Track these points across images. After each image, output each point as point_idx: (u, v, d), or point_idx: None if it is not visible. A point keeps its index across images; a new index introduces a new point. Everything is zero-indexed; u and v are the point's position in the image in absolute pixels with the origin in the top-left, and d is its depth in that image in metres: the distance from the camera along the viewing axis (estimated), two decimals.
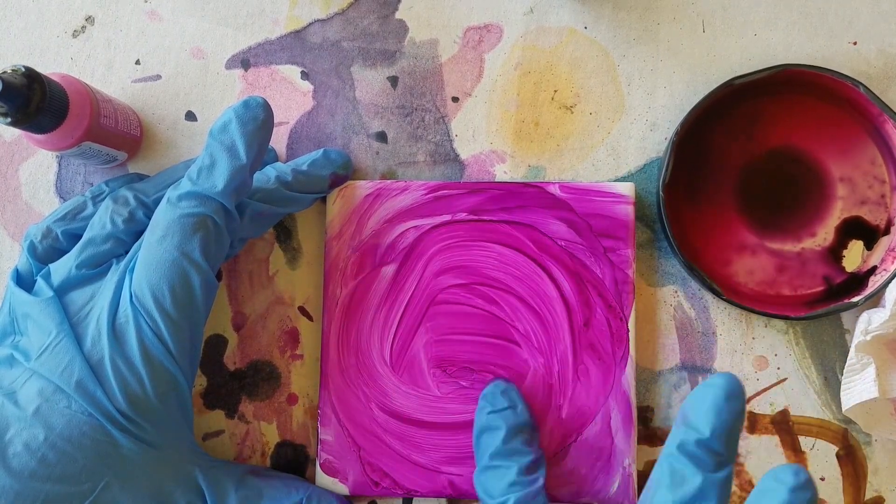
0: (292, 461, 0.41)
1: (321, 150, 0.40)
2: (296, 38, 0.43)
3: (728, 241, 0.40)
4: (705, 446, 0.28)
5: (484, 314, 0.40)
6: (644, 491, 0.30)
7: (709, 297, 0.41)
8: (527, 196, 0.40)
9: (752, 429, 0.40)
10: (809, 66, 0.38)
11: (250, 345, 0.42)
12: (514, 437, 0.36)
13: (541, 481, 0.35)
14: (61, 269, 0.35)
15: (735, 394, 0.28)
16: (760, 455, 0.40)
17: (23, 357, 0.33)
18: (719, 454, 0.28)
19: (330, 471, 0.40)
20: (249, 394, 0.41)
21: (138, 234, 0.37)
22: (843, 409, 0.38)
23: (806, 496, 0.26)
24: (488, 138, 0.42)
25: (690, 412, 0.28)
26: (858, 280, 0.39)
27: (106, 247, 0.36)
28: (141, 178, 0.41)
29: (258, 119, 0.34)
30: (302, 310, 0.42)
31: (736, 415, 0.28)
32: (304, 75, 0.42)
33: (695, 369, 0.40)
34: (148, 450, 0.33)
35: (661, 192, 0.39)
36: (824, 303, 0.39)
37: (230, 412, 0.41)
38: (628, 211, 0.40)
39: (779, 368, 0.40)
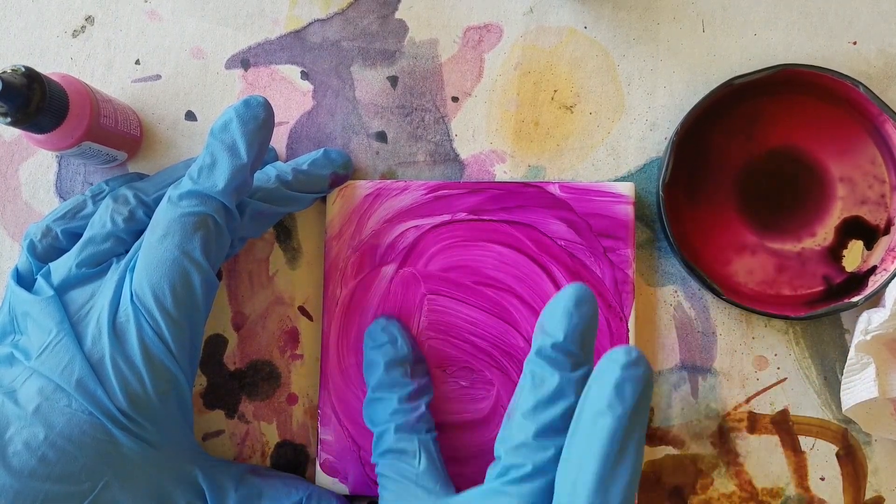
0: (292, 461, 0.41)
1: (321, 149, 0.40)
2: (296, 38, 0.43)
3: (728, 240, 0.40)
4: (560, 349, 0.29)
5: (484, 314, 0.40)
6: (510, 402, 0.31)
7: (709, 297, 0.41)
8: (527, 196, 0.40)
9: (752, 428, 0.40)
10: (809, 66, 0.38)
11: (250, 345, 0.42)
12: (393, 370, 0.37)
13: (423, 408, 0.37)
14: (61, 267, 0.35)
15: (584, 299, 0.30)
16: (761, 455, 0.40)
17: (23, 356, 0.33)
18: (574, 355, 0.30)
19: (330, 471, 0.40)
20: (249, 394, 0.41)
21: (138, 233, 0.37)
22: (843, 409, 0.38)
23: (637, 372, 0.27)
24: (488, 138, 0.42)
25: (545, 321, 0.30)
26: (858, 280, 0.39)
27: (106, 246, 0.36)
28: (141, 177, 0.41)
29: (259, 118, 0.34)
30: (302, 310, 0.42)
31: (587, 318, 0.30)
32: (304, 75, 0.42)
33: (695, 369, 0.40)
34: (148, 449, 0.33)
35: (660, 192, 0.39)
36: (824, 303, 0.39)
37: (230, 412, 0.41)
38: (628, 211, 0.40)
39: (779, 368, 0.40)
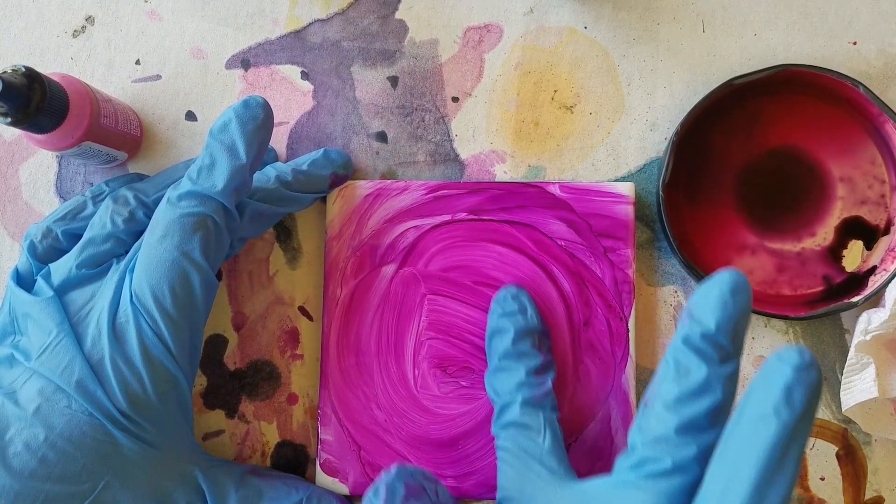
0: (292, 461, 0.41)
1: (321, 149, 0.40)
2: (296, 38, 0.43)
3: (728, 240, 0.40)
4: (711, 340, 0.27)
5: (484, 314, 0.40)
6: (648, 387, 0.29)
7: None
8: (527, 196, 0.40)
9: None
10: (809, 66, 0.38)
11: (250, 345, 0.42)
12: (523, 340, 0.37)
13: (549, 384, 0.36)
14: (61, 268, 0.35)
15: (741, 288, 0.27)
16: None
17: (23, 357, 0.33)
18: (724, 348, 0.27)
19: (330, 471, 0.40)
20: (249, 394, 0.41)
21: (138, 233, 0.37)
22: (843, 409, 0.38)
23: (810, 377, 0.25)
24: (488, 138, 0.42)
25: (695, 307, 0.28)
26: (858, 280, 0.39)
27: (106, 246, 0.36)
28: (141, 177, 0.41)
29: (258, 119, 0.34)
30: (302, 310, 0.42)
31: (742, 309, 0.27)
32: (304, 75, 0.42)
33: None
34: (148, 449, 0.33)
35: (660, 192, 0.39)
36: (824, 303, 0.39)
37: (230, 412, 0.41)
38: (628, 211, 0.40)
39: None
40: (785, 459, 0.24)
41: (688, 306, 0.28)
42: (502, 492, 0.34)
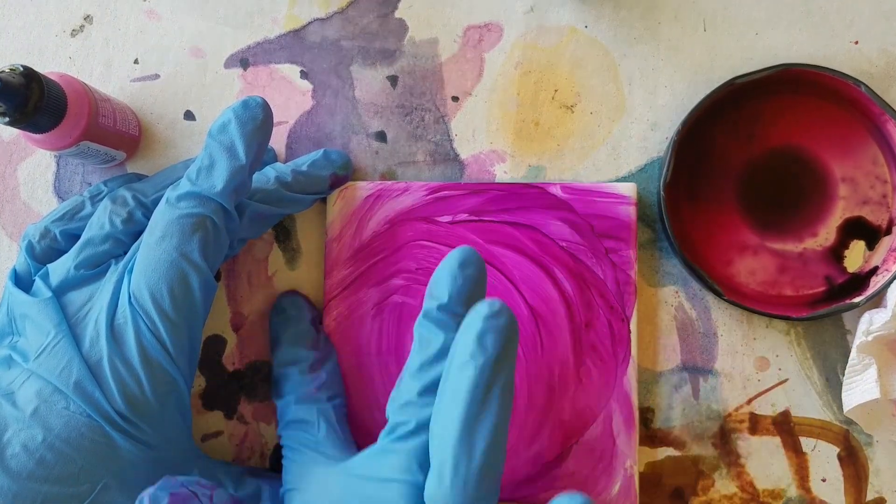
0: None
1: (321, 150, 0.40)
2: (295, 38, 0.42)
3: (729, 241, 0.40)
4: (446, 310, 0.30)
5: None
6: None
7: (710, 298, 0.41)
8: (528, 197, 0.40)
9: (754, 430, 0.40)
10: (811, 65, 0.38)
11: (249, 345, 0.41)
12: (294, 346, 0.38)
13: (323, 377, 0.38)
14: (59, 269, 0.35)
15: (468, 261, 0.30)
16: (762, 456, 0.40)
17: (21, 358, 0.33)
18: (460, 315, 0.30)
19: None
20: (248, 394, 0.41)
21: (137, 234, 0.36)
22: (845, 410, 0.38)
23: (499, 322, 0.28)
24: (488, 138, 0.42)
25: (432, 285, 0.31)
26: (860, 280, 0.39)
27: (104, 247, 0.36)
28: (139, 177, 0.40)
29: (257, 119, 0.34)
30: None
31: (472, 279, 0.30)
32: (304, 75, 0.42)
33: (696, 370, 0.40)
34: (146, 451, 0.33)
35: (661, 192, 0.39)
36: (826, 303, 0.39)
37: (229, 413, 0.41)
38: (630, 212, 0.40)
39: (780, 369, 0.40)
40: (488, 397, 0.27)
41: (427, 287, 0.31)
42: (286, 485, 0.35)
